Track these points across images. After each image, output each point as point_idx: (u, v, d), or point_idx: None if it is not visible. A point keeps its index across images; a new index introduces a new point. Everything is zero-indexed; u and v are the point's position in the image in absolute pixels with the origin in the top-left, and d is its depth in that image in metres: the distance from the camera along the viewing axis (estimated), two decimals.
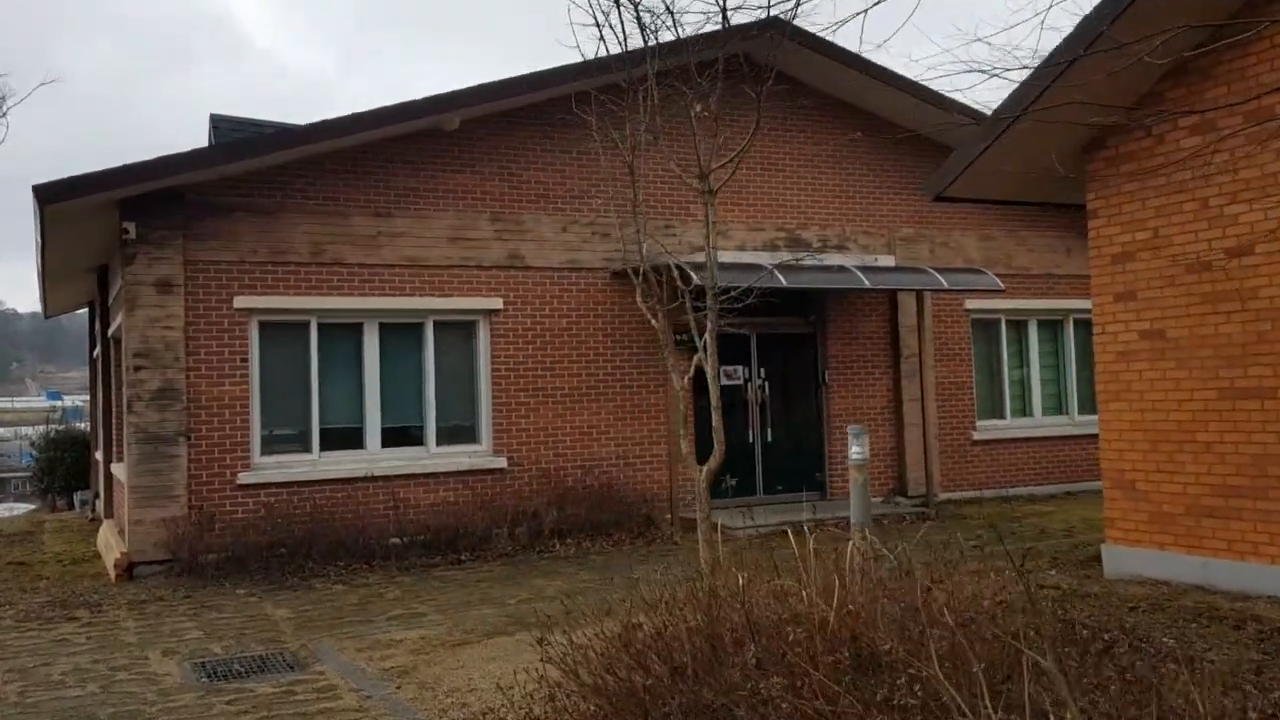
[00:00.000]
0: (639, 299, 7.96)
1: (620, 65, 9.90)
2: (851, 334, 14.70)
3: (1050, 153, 9.11)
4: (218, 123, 13.95)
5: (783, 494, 14.23)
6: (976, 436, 15.45)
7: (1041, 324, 16.49)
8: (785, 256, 13.43)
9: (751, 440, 14.18)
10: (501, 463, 12.46)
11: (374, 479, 11.89)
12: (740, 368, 14.18)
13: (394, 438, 12.34)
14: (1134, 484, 8.68)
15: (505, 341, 12.66)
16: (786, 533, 12.52)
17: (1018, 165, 9.12)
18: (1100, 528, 11.98)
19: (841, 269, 13.27)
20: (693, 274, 9.85)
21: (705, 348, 7.24)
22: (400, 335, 12.42)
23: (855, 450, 8.02)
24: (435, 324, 12.48)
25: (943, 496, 15.00)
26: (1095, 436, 16.87)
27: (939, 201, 9.57)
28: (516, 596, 9.42)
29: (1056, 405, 16.62)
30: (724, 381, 13.65)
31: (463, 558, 11.32)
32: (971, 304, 15.55)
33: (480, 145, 12.68)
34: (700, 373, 13.34)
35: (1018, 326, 16.35)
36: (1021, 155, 9.20)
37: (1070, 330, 16.61)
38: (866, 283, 12.84)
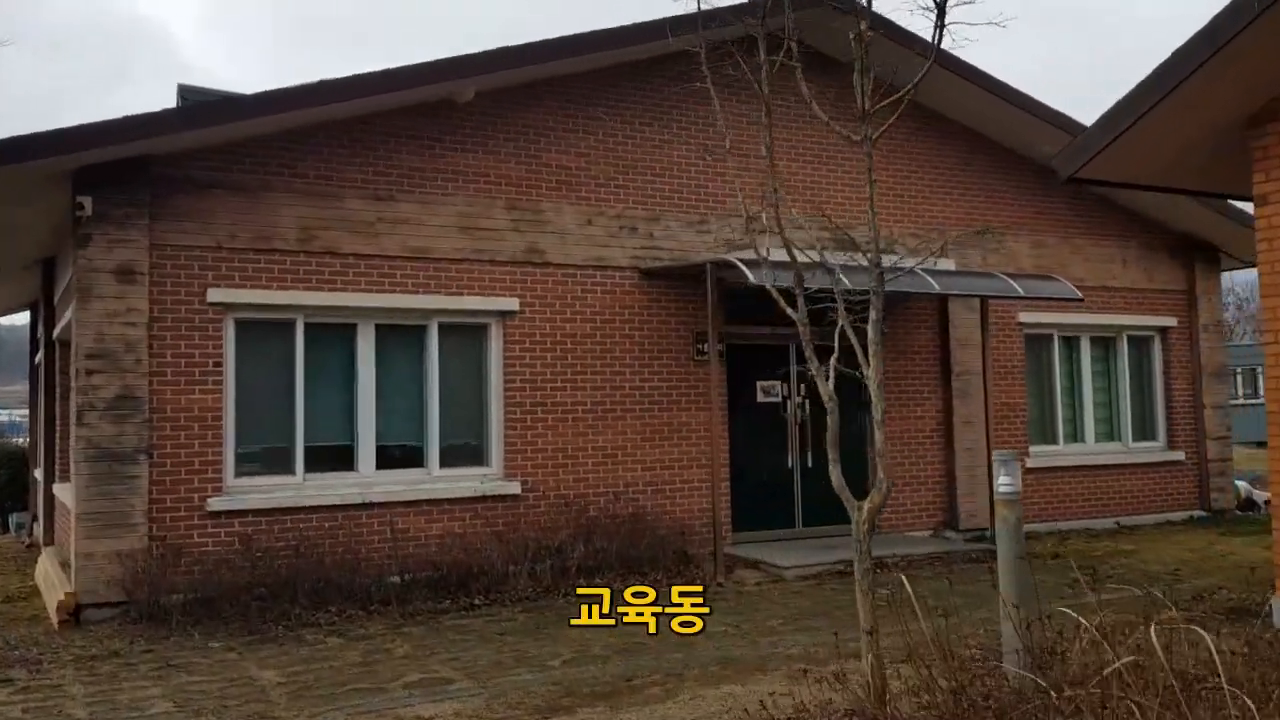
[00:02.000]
0: (784, 305, 6.30)
1: (684, 26, 8.27)
2: (899, 348, 13.17)
3: (1205, 128, 7.69)
4: (185, 94, 12.15)
5: (824, 526, 12.62)
6: (1029, 464, 13.94)
7: (1094, 341, 15.08)
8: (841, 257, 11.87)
9: (790, 465, 12.56)
10: (515, 488, 10.74)
11: (369, 506, 10.11)
12: (778, 384, 12.58)
13: (391, 458, 10.57)
14: None
15: (521, 348, 10.96)
16: (843, 574, 10.97)
17: (1168, 143, 7.64)
18: (1206, 570, 10.57)
19: (911, 272, 11.71)
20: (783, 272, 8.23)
21: (852, 348, 5.62)
22: (400, 339, 10.69)
23: (1004, 481, 6.42)
24: (441, 326, 10.76)
25: (992, 530, 13.45)
26: (1150, 465, 15.76)
27: (1070, 183, 8.07)
28: (558, 655, 7.70)
29: (1109, 431, 15.19)
30: (761, 398, 12.09)
31: (476, 601, 9.56)
32: (1025, 317, 14.09)
33: (497, 122, 11.01)
34: (734, 388, 11.70)
35: (1069, 343, 14.93)
36: (1170, 131, 7.72)
37: (1124, 348, 15.21)
38: (937, 287, 11.31)
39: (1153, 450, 15.21)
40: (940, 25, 5.65)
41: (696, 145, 12.02)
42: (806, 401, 12.66)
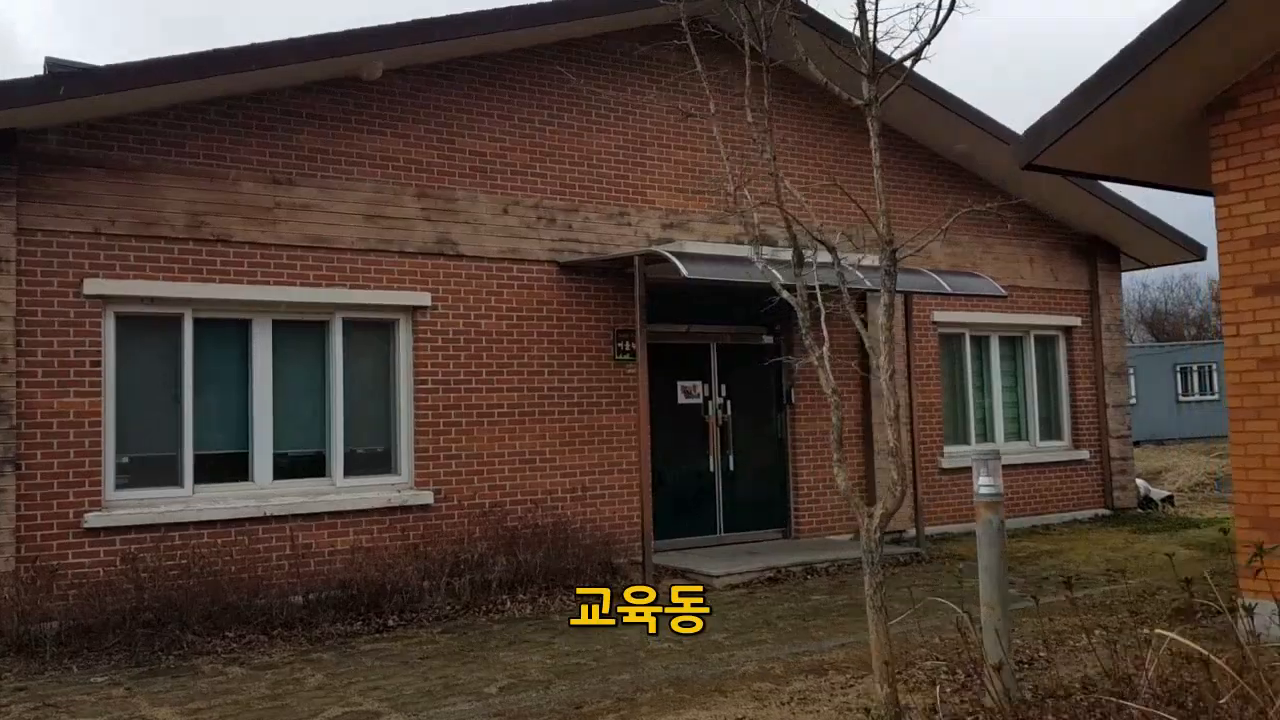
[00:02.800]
0: (785, 295, 5.76)
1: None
2: None
3: (1164, 116, 7.47)
4: (54, 67, 10.97)
5: (745, 532, 12.19)
6: (944, 464, 13.78)
7: (1003, 340, 15.04)
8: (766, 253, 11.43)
9: (711, 469, 12.07)
10: (427, 497, 9.96)
11: (266, 519, 9.20)
12: (699, 384, 12.08)
13: (291, 467, 9.68)
14: None
15: (433, 346, 10.19)
16: (774, 581, 10.53)
17: (1128, 131, 7.41)
18: (1137, 570, 10.44)
19: (828, 266, 11.33)
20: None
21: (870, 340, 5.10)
22: (300, 336, 9.80)
23: (985, 482, 6.00)
24: (345, 323, 9.92)
25: (912, 532, 13.25)
26: (1057, 465, 15.81)
27: (1027, 170, 7.76)
28: (492, 681, 7.00)
29: (1018, 430, 15.17)
30: (682, 400, 11.59)
31: (390, 622, 8.76)
32: (940, 316, 13.93)
33: (407, 102, 10.23)
34: (654, 389, 11.14)
35: (979, 343, 14.85)
36: (1130, 119, 7.49)
37: (1031, 347, 15.22)
38: (866, 283, 10.94)
39: (1059, 449, 15.26)
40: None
41: (617, 134, 11.44)
42: (728, 403, 12.19)
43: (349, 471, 9.84)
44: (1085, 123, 7.26)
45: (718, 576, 10.24)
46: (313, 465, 9.78)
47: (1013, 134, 13.69)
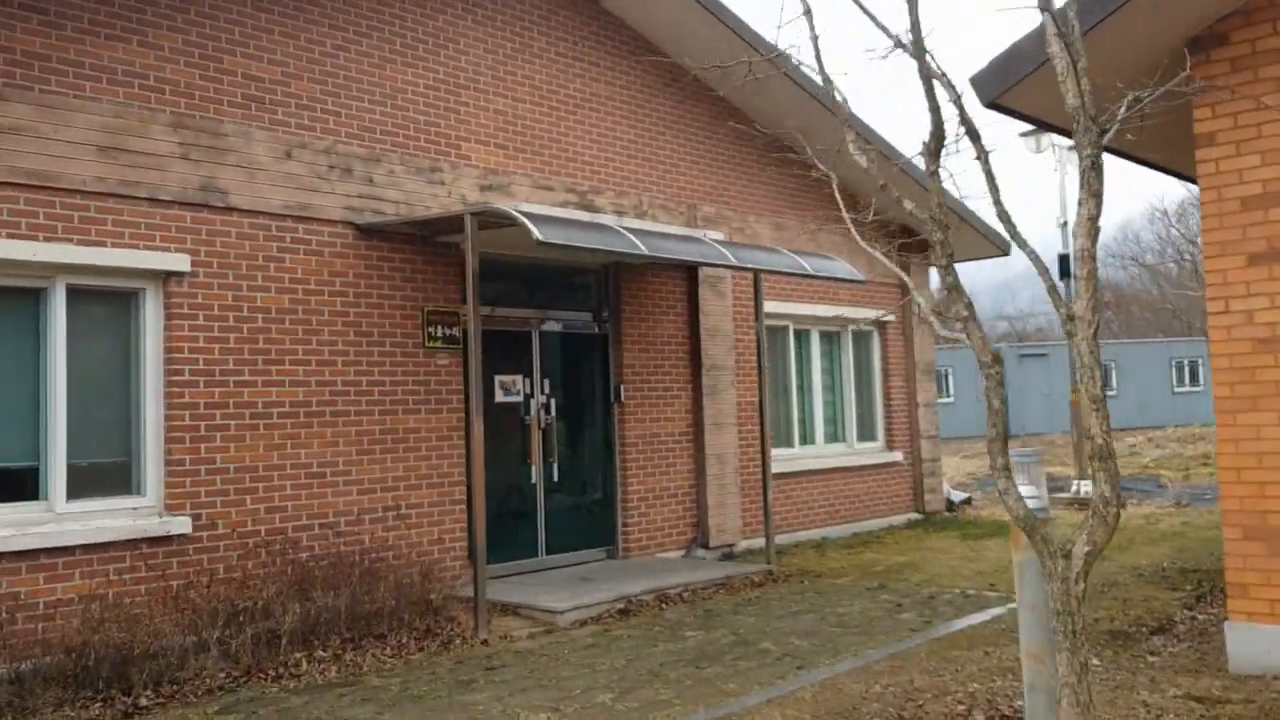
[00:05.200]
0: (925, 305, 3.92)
1: None
2: (648, 337, 11.17)
3: (1143, 57, 6.32)
4: None
5: (570, 553, 10.36)
6: (772, 469, 12.46)
7: (823, 335, 13.98)
8: (585, 217, 9.67)
9: (533, 480, 10.14)
10: (182, 525, 7.50)
11: None
12: (520, 378, 10.13)
13: None
14: None
15: (192, 326, 7.74)
16: (626, 613, 8.75)
17: (1104, 73, 6.18)
18: (1008, 584, 9.37)
19: (694, 240, 9.72)
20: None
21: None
22: (5, 307, 7.12)
23: (1024, 493, 4.47)
24: (71, 290, 7.31)
25: (743, 545, 11.87)
26: (874, 467, 14.87)
27: (992, 109, 6.38)
28: None
29: (835, 431, 14.15)
30: (501, 397, 9.66)
31: (143, 701, 6.31)
32: (767, 307, 12.62)
33: (161, 3, 7.73)
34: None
35: (800, 337, 13.71)
36: (1107, 57, 6.28)
37: (848, 343, 14.26)
38: (732, 259, 9.38)
39: (875, 451, 14.38)
40: None
41: (427, 71, 9.34)
42: (552, 401, 10.31)
43: (74, 493, 7.23)
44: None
45: (561, 611, 8.35)
46: (21, 485, 7.11)
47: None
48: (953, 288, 3.22)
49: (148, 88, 7.60)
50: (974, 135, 3.43)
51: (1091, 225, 3.00)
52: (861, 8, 3.67)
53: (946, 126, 3.57)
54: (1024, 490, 4.66)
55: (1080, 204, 3.05)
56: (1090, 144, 3.08)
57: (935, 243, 3.20)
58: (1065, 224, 17.71)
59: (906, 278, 4.66)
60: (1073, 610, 3.14)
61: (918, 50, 3.39)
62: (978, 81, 6.30)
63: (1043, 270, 3.22)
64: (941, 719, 5.53)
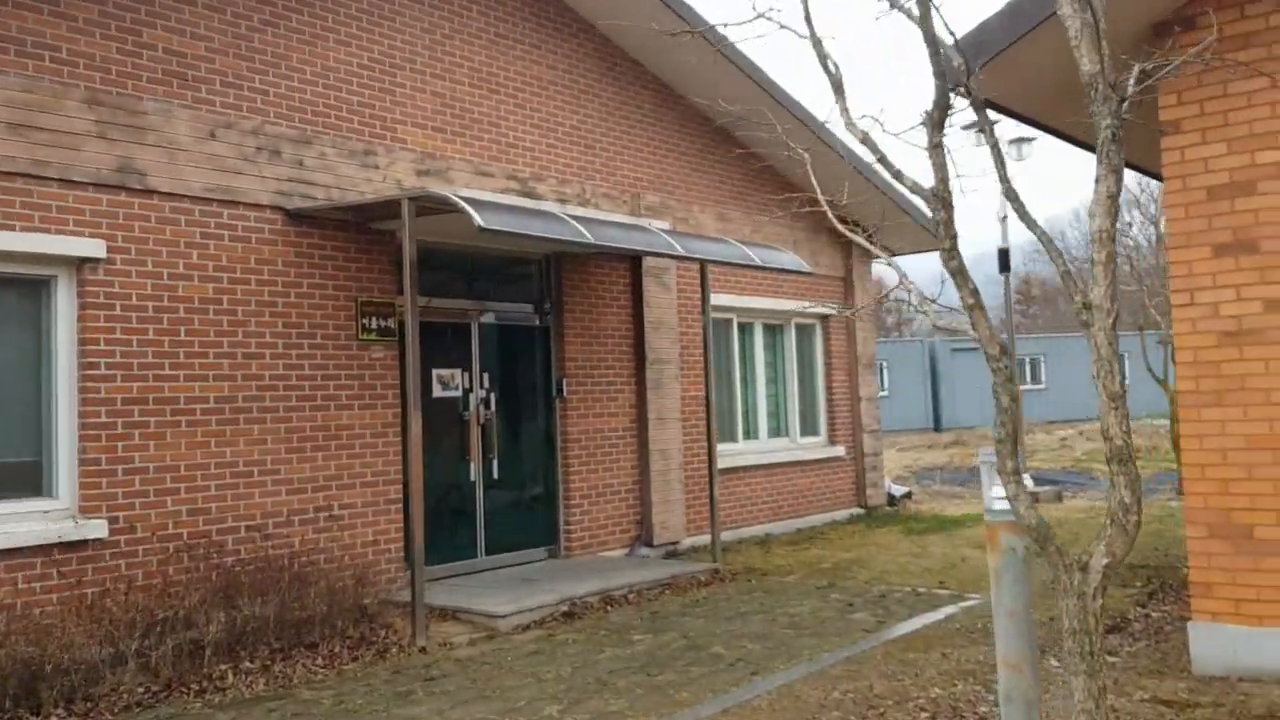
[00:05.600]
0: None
1: None
2: (591, 330, 10.85)
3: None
4: None
5: (510, 553, 10.01)
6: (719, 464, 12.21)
7: (766, 328, 13.78)
8: (527, 204, 9.32)
9: (473, 478, 9.76)
10: (98, 529, 7.01)
11: None
12: (458, 372, 9.74)
13: None
14: (1252, 531, 5.82)
15: (108, 316, 7.25)
16: (570, 616, 8.43)
17: (1058, 64, 6.01)
18: (956, 580, 9.21)
19: (641, 229, 9.40)
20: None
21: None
22: None
23: (1001, 495, 4.24)
24: None
25: (687, 542, 11.62)
26: (818, 462, 14.72)
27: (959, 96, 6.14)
28: None
29: (778, 426, 13.96)
30: (439, 392, 9.29)
31: (53, 718, 5.86)
32: (711, 299, 12.36)
33: None
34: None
35: (744, 330, 13.49)
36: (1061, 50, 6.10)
37: (791, 336, 14.07)
38: (680, 249, 9.09)
39: (818, 446, 14.21)
40: None
41: (361, 50, 8.90)
42: (492, 396, 9.94)
43: None
44: (1033, 35, 5.78)
45: (503, 616, 8.01)
46: None
47: (792, 100, 12.43)
48: (957, 272, 2.96)
49: (60, 61, 7.08)
50: (979, 107, 3.16)
51: (1111, 203, 2.75)
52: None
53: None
54: (998, 492, 4.46)
55: (1098, 180, 2.80)
56: (1111, 113, 2.84)
57: (939, 222, 2.94)
58: (1005, 219, 17.73)
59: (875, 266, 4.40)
60: (1090, 629, 2.90)
61: (923, 8, 3.11)
62: (946, 68, 6.06)
63: (1056, 254, 2.97)
64: None
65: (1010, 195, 3.02)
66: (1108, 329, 2.74)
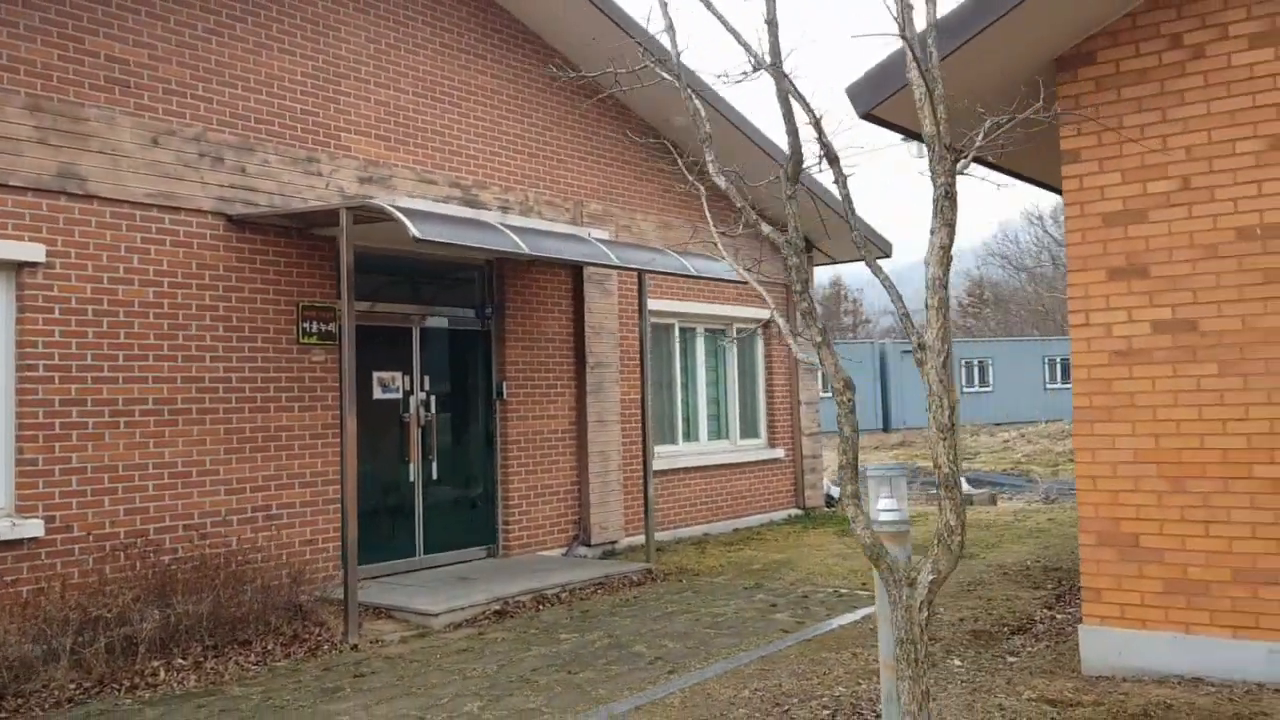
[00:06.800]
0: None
1: None
2: (532, 334, 11.08)
3: (1015, 72, 6.50)
4: None
5: (449, 551, 10.23)
6: (655, 466, 12.50)
7: (708, 333, 14.07)
8: (468, 212, 9.53)
9: (412, 478, 9.97)
10: (34, 528, 7.16)
11: None
12: (399, 375, 9.94)
13: None
14: (1137, 539, 6.17)
15: (47, 319, 7.39)
16: (503, 614, 8.67)
17: (983, 83, 6.34)
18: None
19: (578, 239, 9.64)
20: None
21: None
22: None
23: (887, 507, 4.54)
24: None
25: (625, 542, 11.90)
26: (756, 464, 15.07)
27: (866, 120, 6.46)
28: None
29: (719, 428, 14.27)
30: (379, 394, 9.49)
31: None
32: (652, 304, 12.63)
33: None
34: (358, 383, 9.08)
35: (685, 335, 13.78)
36: (986, 69, 6.44)
37: (732, 342, 14.37)
38: (615, 259, 9.34)
39: (757, 448, 14.53)
40: None
41: (305, 59, 9.07)
42: (432, 398, 10.15)
43: None
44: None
45: (436, 614, 8.23)
46: None
47: (746, 122, 12.70)
48: (807, 314, 3.23)
49: (2, 67, 7.20)
50: (833, 159, 3.45)
51: (944, 254, 3.04)
52: (726, 25, 3.65)
53: (818, 145, 3.59)
54: (885, 504, 4.76)
55: (933, 232, 3.08)
56: (944, 172, 3.12)
57: (790, 268, 3.21)
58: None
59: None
60: (916, 639, 3.19)
61: (777, 74, 3.38)
62: (852, 93, 6.37)
63: (896, 298, 3.25)
64: None
65: (859, 241, 3.29)
66: (939, 368, 3.03)
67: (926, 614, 3.20)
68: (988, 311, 61.67)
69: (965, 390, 37.33)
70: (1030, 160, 7.47)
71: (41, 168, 7.34)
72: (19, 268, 7.28)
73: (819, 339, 3.22)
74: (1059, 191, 9.15)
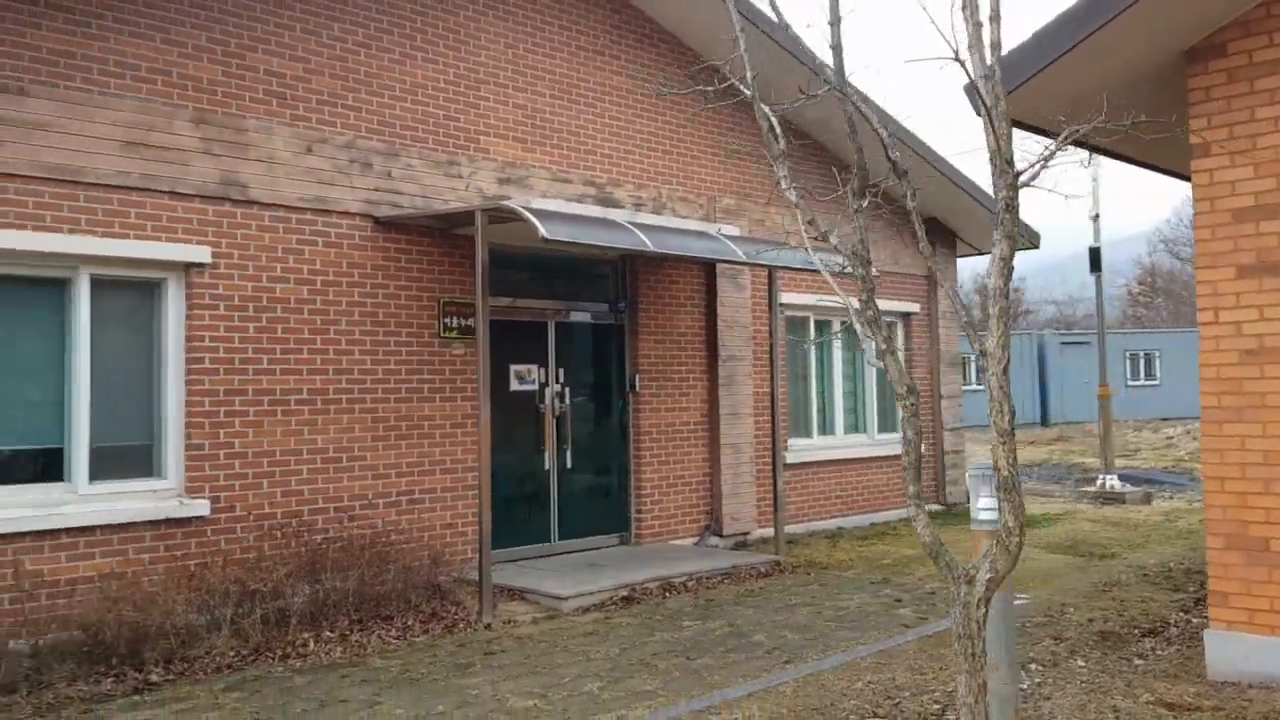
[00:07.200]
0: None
1: None
2: (665, 328, 11.33)
3: (1142, 65, 6.37)
4: None
5: (582, 538, 10.58)
6: (789, 459, 12.59)
7: (844, 326, 14.03)
8: (597, 211, 9.83)
9: (547, 466, 10.37)
10: (201, 508, 7.81)
11: None
12: (535, 368, 10.34)
13: (10, 469, 7.32)
14: (1267, 543, 6.00)
15: (213, 315, 8.03)
16: (629, 601, 8.96)
17: (1109, 77, 6.26)
18: (1025, 577, 9.42)
19: (706, 235, 9.85)
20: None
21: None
22: (29, 298, 7.44)
23: (984, 505, 4.60)
24: (94, 281, 7.61)
25: (756, 534, 12.03)
26: (895, 458, 14.99)
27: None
28: None
29: (855, 422, 14.23)
30: (515, 386, 9.87)
31: (154, 677, 6.62)
32: (786, 298, 12.71)
33: (184, 2, 7.98)
34: (496, 375, 9.41)
35: (821, 328, 13.78)
36: (1111, 62, 6.34)
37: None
38: (741, 255, 9.52)
39: (895, 442, 14.40)
40: None
41: (447, 67, 9.52)
42: (567, 390, 10.52)
43: (97, 475, 7.56)
44: (1060, 63, 6.04)
45: (566, 598, 8.58)
46: (41, 467, 7.44)
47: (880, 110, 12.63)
48: (871, 322, 3.35)
49: (170, 84, 7.86)
50: (900, 174, 3.54)
51: (1005, 265, 3.10)
52: (784, 48, 3.76)
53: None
54: (984, 503, 4.83)
55: (995, 244, 3.15)
56: (1006, 187, 3.18)
57: (858, 278, 3.33)
58: (1097, 216, 17.57)
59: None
60: (973, 635, 3.27)
61: (842, 93, 3.50)
62: (969, 91, 6.35)
63: (960, 307, 3.33)
64: (915, 718, 5.67)
65: (926, 249, 3.38)
66: (999, 374, 3.10)
67: (984, 611, 3.29)
68: (1159, 301, 58.95)
69: (1129, 383, 35.86)
70: (1160, 150, 7.26)
71: (206, 176, 7.97)
72: (188, 268, 7.93)
73: (884, 347, 3.34)
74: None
